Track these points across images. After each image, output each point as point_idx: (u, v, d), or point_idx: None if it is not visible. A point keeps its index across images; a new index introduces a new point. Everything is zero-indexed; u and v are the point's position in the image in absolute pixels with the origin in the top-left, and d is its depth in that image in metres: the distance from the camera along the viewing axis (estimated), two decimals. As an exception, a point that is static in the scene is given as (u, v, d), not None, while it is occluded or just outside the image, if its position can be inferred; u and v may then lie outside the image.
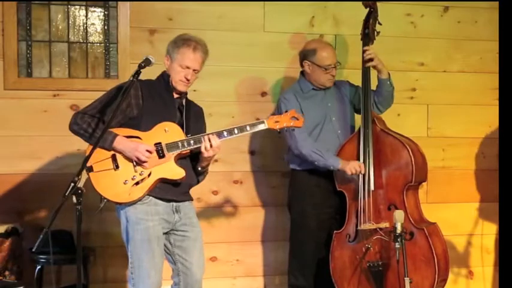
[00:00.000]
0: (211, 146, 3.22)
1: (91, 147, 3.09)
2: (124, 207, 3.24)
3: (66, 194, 2.84)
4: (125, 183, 3.19)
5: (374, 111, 4.01)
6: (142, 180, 3.21)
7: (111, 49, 4.26)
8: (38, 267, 3.89)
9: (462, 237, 4.77)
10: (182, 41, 3.35)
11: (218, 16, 4.39)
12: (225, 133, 3.26)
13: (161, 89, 3.37)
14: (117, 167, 3.21)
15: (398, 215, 3.49)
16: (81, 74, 4.24)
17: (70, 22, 4.22)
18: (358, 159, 3.85)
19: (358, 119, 4.05)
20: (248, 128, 3.30)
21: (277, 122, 3.32)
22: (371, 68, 3.97)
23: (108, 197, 3.20)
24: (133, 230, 3.21)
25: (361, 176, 3.81)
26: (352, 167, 3.80)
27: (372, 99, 3.97)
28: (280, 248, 4.45)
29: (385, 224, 3.74)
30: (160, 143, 3.22)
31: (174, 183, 3.27)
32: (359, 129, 3.91)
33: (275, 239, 4.50)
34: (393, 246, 3.52)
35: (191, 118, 3.41)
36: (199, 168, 3.37)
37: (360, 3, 4.10)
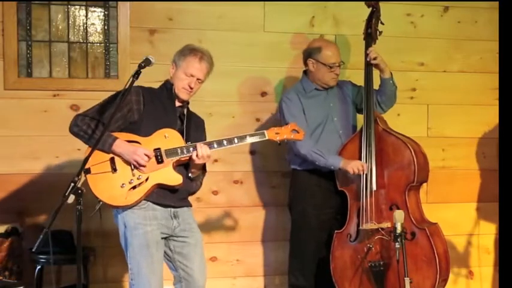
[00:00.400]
0: (202, 154, 3.22)
1: (91, 148, 3.08)
2: (121, 213, 3.23)
3: (66, 194, 2.84)
4: (122, 187, 3.18)
5: (377, 110, 4.01)
6: (139, 184, 3.19)
7: (111, 49, 4.26)
8: (38, 267, 3.89)
9: (462, 237, 4.77)
10: (189, 50, 3.36)
11: (218, 16, 4.39)
12: (224, 142, 3.27)
13: (163, 96, 3.37)
14: (114, 170, 3.20)
15: (399, 215, 3.50)
16: (81, 74, 4.24)
17: (70, 22, 4.22)
18: (360, 158, 3.84)
19: (360, 118, 4.05)
20: (248, 138, 3.32)
21: (277, 133, 3.34)
22: (373, 68, 3.98)
23: (104, 199, 3.18)
24: (132, 235, 3.20)
25: (363, 176, 3.81)
26: (354, 166, 3.79)
27: (374, 99, 3.97)
28: (280, 248, 4.45)
29: (386, 224, 3.74)
30: (159, 148, 3.22)
31: (171, 189, 3.26)
32: (361, 128, 3.91)
33: (275, 239, 4.50)
34: (393, 246, 3.52)
35: (192, 127, 3.42)
36: (190, 175, 3.35)
37: (360, 3, 4.11)
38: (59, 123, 3.94)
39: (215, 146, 3.27)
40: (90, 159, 3.03)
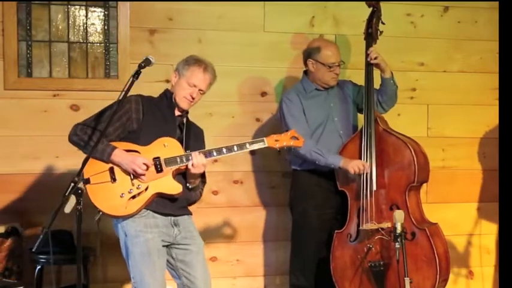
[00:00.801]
0: (197, 163, 3.20)
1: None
2: (121, 222, 3.21)
3: (66, 194, 2.84)
4: (121, 196, 3.16)
5: (378, 110, 4.01)
6: (139, 193, 3.18)
7: (111, 49, 4.26)
8: (38, 267, 3.89)
9: (462, 237, 4.77)
10: (194, 61, 3.36)
11: (218, 16, 4.39)
12: (224, 150, 3.26)
13: (163, 106, 3.36)
14: (114, 179, 3.18)
15: (398, 215, 3.50)
16: (81, 74, 4.23)
17: (70, 22, 4.22)
18: (361, 158, 3.84)
19: (360, 118, 4.05)
20: (248, 145, 3.30)
21: (277, 140, 3.31)
22: (374, 68, 3.97)
23: (104, 209, 3.16)
24: (133, 243, 3.18)
25: (363, 176, 3.81)
26: (355, 165, 3.78)
27: (375, 99, 3.97)
28: (280, 248, 4.45)
29: (387, 224, 3.73)
30: (159, 157, 3.21)
31: (171, 198, 3.25)
32: (361, 128, 3.91)
33: (275, 239, 4.50)
34: (393, 246, 3.52)
35: (191, 136, 3.40)
36: (188, 185, 3.33)
37: (359, 3, 4.10)
38: (59, 123, 3.94)
39: (214, 154, 3.26)
40: (89, 169, 3.03)
